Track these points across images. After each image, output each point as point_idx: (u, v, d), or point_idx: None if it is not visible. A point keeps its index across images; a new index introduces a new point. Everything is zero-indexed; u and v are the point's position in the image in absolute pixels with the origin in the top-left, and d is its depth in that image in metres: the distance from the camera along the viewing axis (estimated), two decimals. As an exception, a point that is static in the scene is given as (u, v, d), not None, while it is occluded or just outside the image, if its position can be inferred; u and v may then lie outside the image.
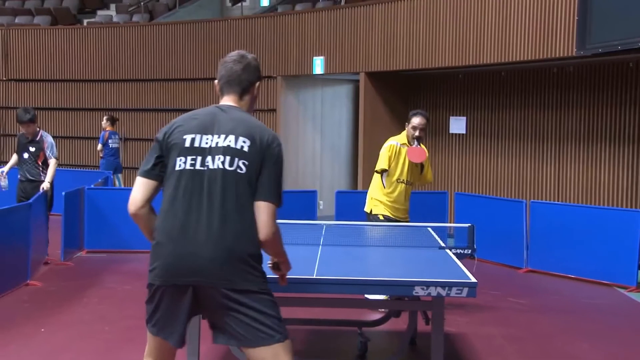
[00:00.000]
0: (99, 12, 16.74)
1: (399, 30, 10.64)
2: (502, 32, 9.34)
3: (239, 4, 15.15)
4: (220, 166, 3.02)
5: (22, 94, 14.42)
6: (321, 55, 11.66)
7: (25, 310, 6.60)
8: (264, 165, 3.04)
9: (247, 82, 3.24)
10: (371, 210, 6.67)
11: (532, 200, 9.39)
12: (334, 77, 12.53)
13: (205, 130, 3.10)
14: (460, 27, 9.87)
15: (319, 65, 11.70)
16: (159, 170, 3.12)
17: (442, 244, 5.15)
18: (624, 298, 7.61)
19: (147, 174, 3.13)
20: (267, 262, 3.26)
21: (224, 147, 3.04)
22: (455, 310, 6.65)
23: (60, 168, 13.56)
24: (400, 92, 11.64)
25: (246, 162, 3.02)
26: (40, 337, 5.78)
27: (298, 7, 14.14)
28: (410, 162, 6.57)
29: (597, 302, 7.42)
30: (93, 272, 8.35)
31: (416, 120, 6.56)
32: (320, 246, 4.95)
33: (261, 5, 15.91)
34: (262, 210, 3.03)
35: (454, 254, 4.82)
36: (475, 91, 11.01)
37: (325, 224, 6.15)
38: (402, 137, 6.67)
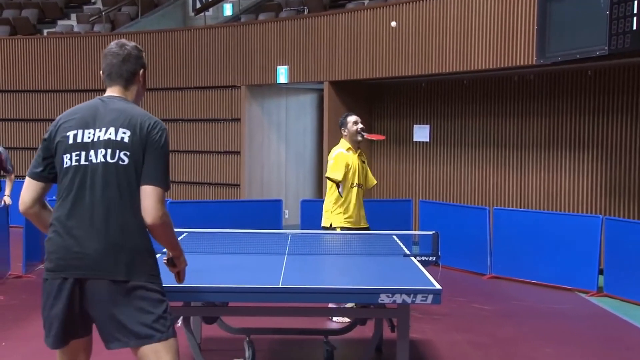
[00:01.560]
0: (60, 22, 16.55)
1: (362, 40, 10.71)
2: (464, 41, 9.45)
3: (202, 14, 15.11)
4: (102, 159, 3.04)
5: (-19, 104, 14.17)
6: (285, 65, 11.67)
7: (-15, 324, 6.47)
8: (147, 152, 3.04)
9: (128, 73, 3.23)
10: (330, 224, 6.62)
11: (495, 207, 9.49)
12: (298, 86, 12.55)
13: (86, 124, 3.11)
14: (422, 36, 9.96)
15: (283, 75, 11.71)
16: (47, 172, 3.15)
17: (407, 252, 5.17)
18: (585, 302, 7.72)
19: (34, 175, 3.17)
20: (162, 259, 3.29)
21: (105, 140, 3.06)
22: (421, 317, 6.68)
23: (21, 179, 13.40)
24: (364, 101, 11.69)
25: (127, 153, 3.03)
26: (1, 352, 5.67)
27: (261, 17, 14.15)
28: (360, 166, 6.66)
29: (560, 307, 7.52)
30: (55, 285, 8.21)
31: (352, 118, 6.75)
32: (286, 255, 4.94)
33: (224, 14, 15.89)
34: (147, 194, 3.02)
35: (418, 261, 4.85)
36: (438, 99, 11.11)
37: (290, 233, 6.14)
38: (343, 144, 6.73)
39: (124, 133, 3.05)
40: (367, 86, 11.64)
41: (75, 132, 3.10)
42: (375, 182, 7.06)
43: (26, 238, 8.49)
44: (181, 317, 4.51)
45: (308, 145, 13.20)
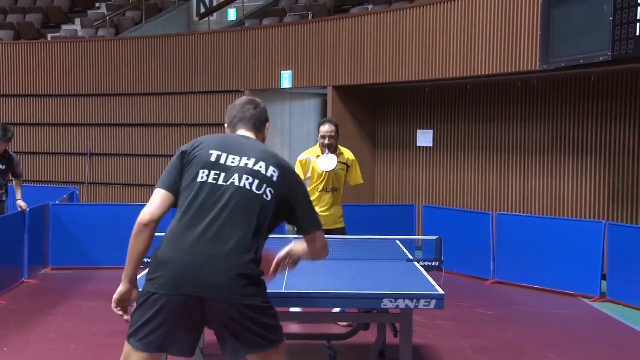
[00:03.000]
0: (64, 27, 16.58)
1: (365, 45, 10.72)
2: (467, 46, 9.45)
3: (206, 18, 15.13)
4: (248, 187, 3.08)
5: (-15, 108, 14.20)
6: (289, 69, 11.68)
7: (-12, 328, 6.48)
8: (294, 199, 3.19)
9: (260, 122, 3.38)
10: None
11: (498, 212, 9.49)
12: (302, 90, 12.57)
13: (231, 150, 3.15)
14: (426, 41, 9.97)
15: (286, 79, 11.73)
16: (179, 186, 3.13)
17: (410, 256, 5.17)
18: (588, 308, 7.70)
19: (168, 188, 3.13)
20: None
21: (253, 170, 3.11)
22: (424, 322, 6.68)
23: (25, 184, 13.42)
24: (368, 106, 11.71)
25: (272, 191, 3.10)
26: (2, 357, 5.68)
27: (265, 22, 14.17)
28: (331, 172, 6.53)
29: (563, 312, 7.51)
30: (58, 289, 8.23)
31: (323, 128, 6.51)
32: (289, 260, 4.94)
33: (228, 19, 15.91)
34: (318, 239, 3.26)
35: (421, 266, 4.85)
36: (442, 104, 11.12)
37: (293, 237, 6.15)
38: (315, 150, 6.62)
39: (274, 172, 3.14)
40: (370, 91, 11.65)
41: (219, 153, 3.13)
42: (361, 181, 6.85)
43: (29, 242, 8.51)
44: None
45: (311, 149, 13.20)
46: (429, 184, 11.28)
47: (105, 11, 16.67)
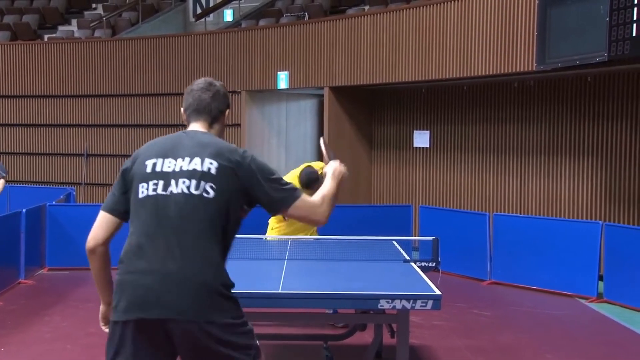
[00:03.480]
0: (60, 28, 16.56)
1: (362, 46, 10.72)
2: (464, 47, 9.46)
3: (203, 19, 15.12)
4: (185, 190, 2.79)
5: (-19, 109, 14.18)
6: (285, 70, 11.68)
7: (-16, 329, 6.47)
8: (251, 183, 2.84)
9: (217, 110, 3.05)
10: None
11: (495, 212, 9.49)
12: (299, 91, 12.56)
13: (166, 154, 2.90)
14: (422, 41, 9.98)
15: (283, 80, 11.73)
16: (124, 206, 2.91)
17: (407, 257, 5.18)
18: (585, 309, 7.71)
19: (111, 210, 2.93)
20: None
21: (189, 170, 2.83)
22: (420, 322, 6.68)
23: (22, 184, 13.43)
24: (365, 107, 11.71)
25: (214, 186, 2.80)
26: (0, 357, 5.67)
27: (262, 23, 14.16)
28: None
29: (560, 313, 7.52)
30: (55, 289, 8.22)
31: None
32: (286, 261, 4.95)
33: (225, 20, 15.90)
34: (302, 209, 2.90)
35: (418, 266, 4.85)
36: (439, 105, 11.12)
37: (290, 238, 6.14)
38: (317, 165, 6.45)
39: (211, 164, 2.83)
40: (367, 92, 11.65)
41: (154, 160, 2.88)
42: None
43: (26, 242, 8.50)
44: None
45: (308, 150, 13.20)
46: (425, 185, 11.29)
47: (101, 12, 16.64)
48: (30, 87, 13.86)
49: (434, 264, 5.14)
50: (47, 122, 13.80)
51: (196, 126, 3.04)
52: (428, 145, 11.21)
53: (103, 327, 3.14)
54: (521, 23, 8.74)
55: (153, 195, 2.82)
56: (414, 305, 3.82)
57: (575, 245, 8.15)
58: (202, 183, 2.80)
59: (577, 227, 8.43)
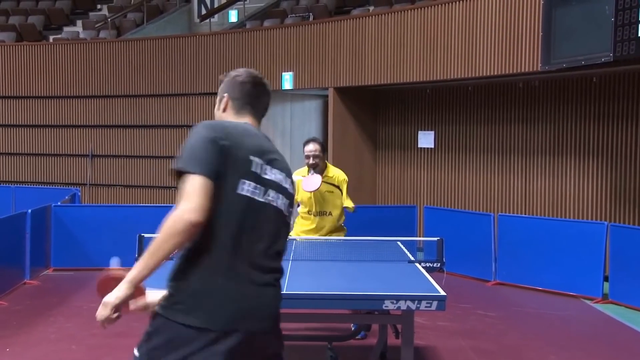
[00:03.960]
0: (65, 29, 16.59)
1: (367, 46, 10.72)
2: (469, 47, 9.45)
3: (207, 20, 15.14)
4: (279, 205, 2.70)
5: (-13, 110, 14.22)
6: (290, 71, 11.68)
7: (-10, 330, 6.48)
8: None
9: (265, 110, 2.95)
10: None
11: (500, 213, 9.48)
12: (303, 92, 12.56)
13: (265, 156, 2.68)
14: (427, 42, 9.97)
15: (287, 81, 11.73)
16: (218, 175, 2.53)
17: (412, 258, 5.17)
18: (590, 310, 7.69)
19: (212, 174, 2.49)
20: None
21: (279, 185, 2.71)
22: (425, 323, 6.67)
23: (27, 185, 13.46)
24: (369, 107, 11.70)
25: (290, 210, 2.80)
26: (4, 358, 5.68)
27: (266, 23, 14.17)
28: (316, 192, 6.19)
29: (565, 313, 7.50)
30: (60, 290, 8.23)
31: (307, 148, 6.20)
32: (290, 261, 4.94)
33: (229, 21, 15.91)
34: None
35: (423, 267, 4.84)
36: (443, 106, 11.11)
37: (295, 238, 6.14)
38: (303, 170, 6.32)
39: (289, 185, 2.80)
40: (371, 92, 11.65)
41: (259, 161, 2.65)
42: (350, 205, 6.34)
43: (31, 243, 8.52)
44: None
45: (313, 151, 13.19)
46: (430, 185, 11.28)
47: (106, 13, 16.67)
48: (35, 87, 13.89)
49: (439, 264, 5.14)
50: (52, 123, 13.83)
51: (253, 122, 2.84)
52: (433, 146, 11.20)
53: (111, 315, 2.62)
54: (526, 23, 8.73)
55: (253, 200, 2.61)
56: (418, 305, 3.81)
57: (581, 246, 8.13)
58: (289, 204, 2.76)
59: (583, 227, 8.41)
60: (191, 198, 2.43)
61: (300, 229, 6.39)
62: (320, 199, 6.26)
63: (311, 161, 6.16)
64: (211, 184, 2.48)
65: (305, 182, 6.12)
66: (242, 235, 2.56)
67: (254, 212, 2.60)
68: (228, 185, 2.54)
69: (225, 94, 2.87)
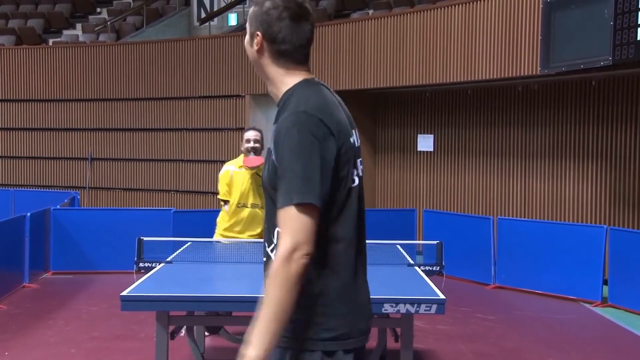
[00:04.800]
0: (65, 32, 16.60)
1: (366, 50, 10.72)
2: (468, 50, 9.46)
3: (207, 24, 15.15)
4: (360, 174, 2.24)
5: (-14, 113, 14.22)
6: (289, 74, 11.67)
7: (-11, 333, 6.48)
8: None
9: (310, 45, 2.31)
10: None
11: (499, 216, 9.48)
12: (302, 95, 12.54)
13: (352, 124, 2.29)
14: (427, 45, 9.97)
15: (287, 84, 11.71)
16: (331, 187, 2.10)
17: (411, 261, 5.17)
18: (590, 313, 7.69)
19: (322, 200, 2.05)
20: None
21: (358, 148, 2.27)
22: (424, 327, 6.66)
23: (26, 188, 13.45)
24: (369, 110, 11.71)
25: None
26: (4, 361, 5.68)
27: (266, 27, 14.17)
28: (253, 186, 6.02)
29: (564, 317, 7.50)
30: (59, 293, 8.23)
31: (248, 134, 6.17)
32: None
33: (229, 24, 15.92)
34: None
35: (422, 271, 4.84)
36: (443, 109, 11.12)
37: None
38: (239, 160, 6.16)
39: (358, 139, 2.31)
40: (371, 95, 11.65)
41: (353, 137, 2.22)
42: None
43: (30, 246, 8.51)
44: (184, 327, 4.51)
45: (312, 154, 13.19)
46: (429, 189, 11.27)
47: (106, 16, 16.69)
48: (34, 91, 13.89)
49: (438, 268, 5.13)
50: (52, 126, 13.83)
51: (309, 73, 2.34)
52: (432, 149, 11.20)
53: None
54: (525, 27, 8.74)
55: (357, 186, 2.20)
56: (418, 309, 3.81)
57: (580, 249, 8.13)
58: (361, 166, 2.26)
59: (582, 231, 8.41)
60: (305, 236, 2.01)
61: (224, 225, 6.11)
62: (256, 189, 6.04)
63: (252, 144, 6.08)
64: (319, 210, 2.04)
65: (247, 161, 6.04)
66: (356, 231, 2.21)
67: (360, 198, 2.23)
68: (343, 182, 2.14)
69: (260, 32, 2.23)
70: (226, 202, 6.08)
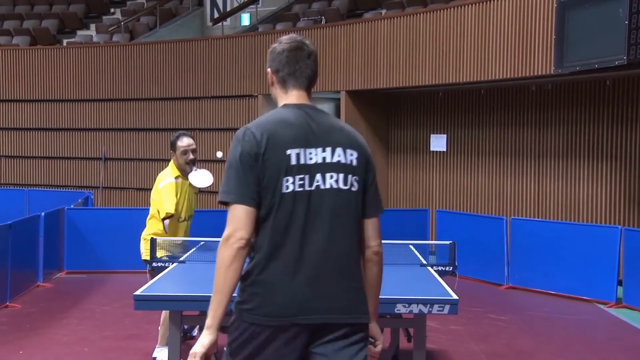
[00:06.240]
0: (79, 32, 16.70)
1: (379, 49, 10.71)
2: (482, 50, 9.43)
3: (220, 24, 15.18)
4: (335, 185, 2.62)
5: (0, 114, 14.30)
6: (302, 74, 11.68)
7: (2, 332, 6.52)
8: (369, 178, 2.71)
9: (313, 73, 2.75)
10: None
11: (512, 217, 9.44)
12: (315, 95, 12.53)
13: (306, 142, 2.62)
14: (440, 45, 9.95)
15: (299, 84, 11.72)
16: (258, 197, 2.57)
17: (424, 261, 5.15)
18: (603, 314, 7.64)
19: (250, 201, 2.55)
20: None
21: (334, 163, 2.63)
22: (437, 327, 6.65)
23: (40, 188, 13.53)
24: (381, 110, 11.69)
25: (357, 179, 2.66)
26: (18, 360, 5.71)
27: (279, 27, 14.19)
28: (189, 196, 5.66)
29: (578, 318, 7.46)
30: (72, 293, 8.27)
31: (185, 142, 5.56)
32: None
33: (242, 24, 15.96)
34: (376, 225, 2.72)
35: (435, 271, 4.83)
36: (456, 109, 11.08)
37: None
38: (172, 171, 5.63)
39: (352, 155, 2.66)
40: (384, 95, 11.64)
41: (297, 151, 2.59)
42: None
43: (44, 246, 8.56)
44: (197, 327, 4.51)
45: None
46: (442, 189, 11.25)
47: (120, 17, 16.77)
48: (48, 91, 13.97)
49: (451, 268, 5.12)
50: (66, 126, 13.90)
51: (300, 96, 2.73)
52: (445, 149, 11.17)
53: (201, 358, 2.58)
54: (539, 26, 8.70)
55: (300, 192, 2.58)
56: (430, 309, 3.80)
57: (594, 249, 8.09)
58: (349, 177, 2.64)
59: (596, 231, 8.36)
60: (233, 224, 2.54)
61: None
62: (192, 200, 5.75)
63: (191, 156, 5.56)
64: (251, 210, 2.55)
65: (196, 178, 5.53)
66: (287, 227, 2.58)
67: (304, 202, 2.59)
68: (271, 188, 2.57)
69: (269, 68, 2.79)
70: (170, 217, 5.46)
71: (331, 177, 2.62)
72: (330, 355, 2.59)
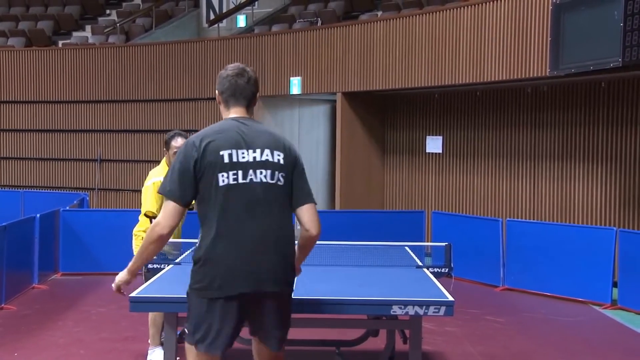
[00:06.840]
0: (75, 34, 16.67)
1: (374, 51, 10.72)
2: (477, 52, 9.44)
3: (216, 25, 15.17)
4: (264, 179, 3.27)
5: (-4, 115, 14.28)
6: (298, 76, 11.70)
7: (-2, 334, 6.50)
8: (296, 174, 3.37)
9: (252, 95, 3.43)
10: None
11: (508, 218, 9.45)
12: (311, 97, 12.57)
13: (238, 144, 3.27)
14: (435, 47, 9.97)
15: (296, 86, 11.74)
16: (191, 196, 3.27)
17: (420, 263, 5.16)
18: (599, 315, 7.66)
19: (182, 201, 3.25)
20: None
21: (263, 161, 3.29)
22: (433, 328, 6.65)
23: (36, 190, 13.50)
24: (377, 112, 11.70)
25: (283, 175, 3.32)
26: (14, 362, 5.70)
27: (275, 28, 14.20)
28: None
29: (573, 319, 7.47)
30: (68, 294, 8.26)
31: (178, 143, 5.56)
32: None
33: (238, 26, 15.95)
34: (311, 211, 3.36)
35: (431, 272, 4.83)
36: (451, 111, 11.10)
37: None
38: (163, 170, 5.65)
39: (279, 155, 3.33)
40: (380, 97, 11.65)
41: (229, 151, 3.25)
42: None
43: (39, 248, 8.54)
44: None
45: (321, 156, 13.21)
46: (438, 190, 11.26)
47: (115, 18, 16.75)
48: (44, 92, 13.95)
49: (447, 269, 5.12)
50: (61, 128, 13.88)
51: (238, 111, 3.41)
52: (441, 151, 11.18)
53: (116, 292, 3.54)
54: (535, 28, 8.72)
55: (234, 184, 3.24)
56: (426, 311, 3.81)
57: (590, 251, 8.10)
58: (276, 173, 3.30)
59: (591, 233, 8.38)
60: (164, 216, 3.26)
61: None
62: None
63: None
64: (180, 208, 3.25)
65: None
66: (226, 215, 3.23)
67: (238, 193, 3.24)
68: (210, 183, 3.22)
69: (217, 90, 3.46)
70: (153, 216, 5.40)
71: (261, 172, 3.27)
72: (266, 315, 3.31)
